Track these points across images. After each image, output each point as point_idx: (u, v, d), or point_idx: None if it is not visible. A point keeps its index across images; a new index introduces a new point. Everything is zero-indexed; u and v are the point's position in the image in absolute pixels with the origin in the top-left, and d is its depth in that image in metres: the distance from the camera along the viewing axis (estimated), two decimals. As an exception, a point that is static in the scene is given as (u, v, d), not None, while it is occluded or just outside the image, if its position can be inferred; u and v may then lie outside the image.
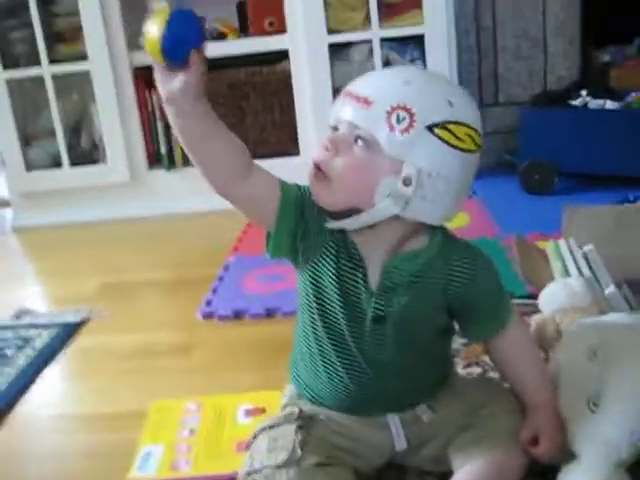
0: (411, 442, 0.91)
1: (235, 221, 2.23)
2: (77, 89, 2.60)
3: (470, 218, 2.03)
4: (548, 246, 1.51)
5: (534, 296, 1.38)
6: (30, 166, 2.57)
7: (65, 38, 2.50)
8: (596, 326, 1.01)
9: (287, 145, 2.49)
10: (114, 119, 2.47)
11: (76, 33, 2.44)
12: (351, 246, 0.85)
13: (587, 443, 0.83)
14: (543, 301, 1.25)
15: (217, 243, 2.09)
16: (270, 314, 1.55)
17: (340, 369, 0.89)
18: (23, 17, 2.46)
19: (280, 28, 2.39)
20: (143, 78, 2.48)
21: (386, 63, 2.37)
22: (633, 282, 1.38)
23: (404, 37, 2.37)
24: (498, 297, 0.91)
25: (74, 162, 2.55)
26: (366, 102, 0.78)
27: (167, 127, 2.53)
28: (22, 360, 1.48)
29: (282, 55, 2.42)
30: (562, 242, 1.46)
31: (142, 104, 2.50)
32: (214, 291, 1.71)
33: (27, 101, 2.64)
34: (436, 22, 2.30)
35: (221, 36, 2.49)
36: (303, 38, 2.35)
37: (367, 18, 2.34)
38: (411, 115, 0.76)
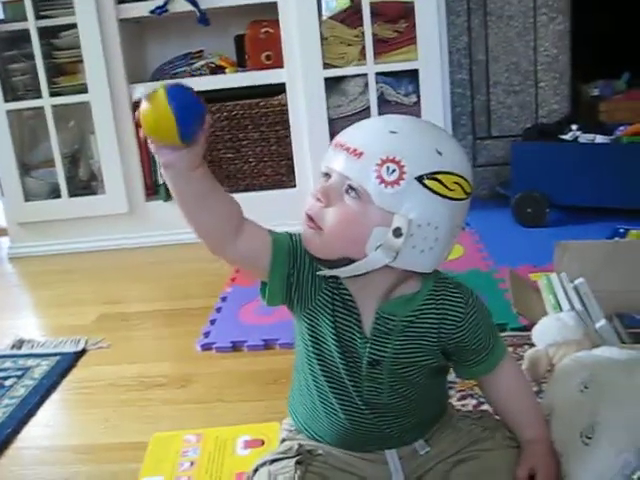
0: (409, 477, 0.92)
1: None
2: (76, 120, 2.65)
3: (464, 250, 2.06)
4: (540, 280, 1.54)
5: (527, 328, 1.41)
6: (28, 196, 2.60)
7: (66, 70, 2.54)
8: (588, 360, 1.03)
9: (283, 177, 2.53)
10: (113, 150, 2.50)
11: (77, 66, 2.49)
12: (344, 293, 0.86)
13: (580, 476, 0.85)
14: (536, 335, 1.28)
15: (214, 274, 2.11)
16: (268, 345, 1.57)
17: (338, 410, 0.90)
18: (24, 49, 2.51)
19: (277, 62, 2.44)
20: (142, 110, 2.51)
21: (380, 97, 2.42)
22: (624, 316, 1.42)
23: (398, 71, 2.42)
24: (489, 338, 0.91)
25: (72, 192, 2.58)
26: (356, 153, 0.79)
27: (165, 158, 2.57)
28: (21, 390, 1.49)
29: (279, 88, 2.46)
30: (554, 276, 1.49)
31: (140, 135, 2.53)
32: (212, 322, 1.73)
33: (26, 131, 2.68)
34: (430, 57, 2.36)
35: (219, 69, 2.53)
36: (300, 72, 2.40)
37: (362, 53, 2.39)
38: (401, 167, 0.77)
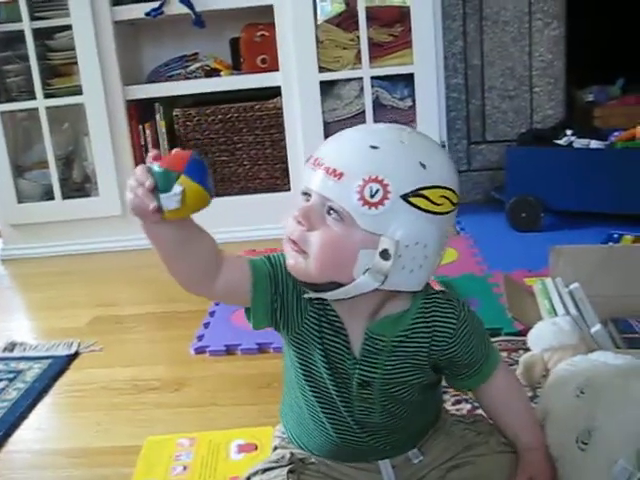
0: None
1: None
2: (71, 122, 2.64)
3: (458, 254, 2.06)
4: (535, 284, 1.54)
5: (522, 333, 1.41)
6: (22, 197, 2.59)
7: (60, 72, 2.53)
8: (583, 365, 1.03)
9: (278, 180, 2.52)
10: (107, 152, 2.49)
11: (71, 67, 2.48)
12: (331, 314, 0.84)
13: (578, 481, 0.85)
14: (531, 340, 1.27)
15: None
16: (262, 349, 1.57)
17: (329, 428, 0.88)
18: (19, 50, 2.50)
19: (272, 65, 2.44)
20: (136, 112, 2.51)
21: (376, 100, 2.42)
22: (619, 321, 1.42)
23: (394, 75, 2.42)
24: (482, 349, 0.89)
25: (66, 194, 2.57)
26: (336, 174, 0.74)
27: (159, 160, 2.56)
28: (13, 393, 1.48)
29: (274, 92, 2.46)
30: (549, 281, 1.49)
31: (134, 137, 2.53)
32: (206, 326, 1.72)
33: (20, 133, 2.67)
34: (425, 62, 2.36)
35: (214, 72, 2.53)
36: (295, 75, 2.39)
37: (358, 57, 2.39)
38: (384, 186, 0.73)
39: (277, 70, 2.42)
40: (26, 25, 2.42)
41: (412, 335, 0.84)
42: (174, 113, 2.52)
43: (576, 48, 2.58)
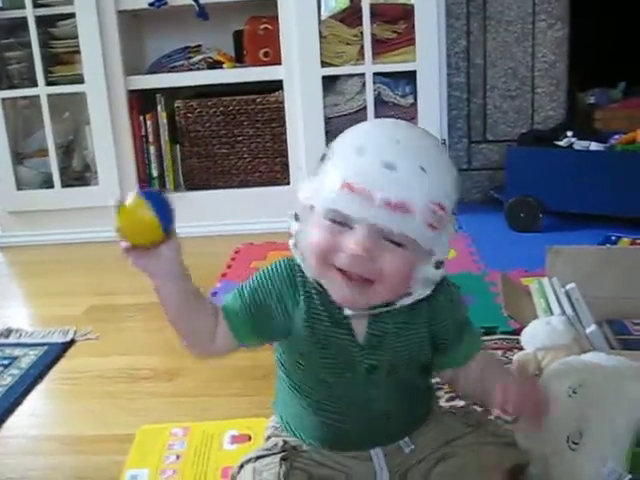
0: (393, 473, 0.92)
1: (224, 247, 2.27)
2: (71, 111, 2.63)
3: (456, 253, 2.06)
4: (532, 284, 1.54)
5: (517, 332, 1.41)
6: (21, 185, 2.59)
7: (62, 60, 2.53)
8: (577, 365, 1.04)
9: (278, 174, 2.52)
10: (107, 141, 2.49)
11: (73, 56, 2.48)
12: (334, 309, 0.84)
13: (566, 480, 0.86)
14: (525, 338, 1.28)
15: (205, 268, 2.09)
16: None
17: (327, 417, 0.90)
18: (22, 37, 2.50)
19: (275, 59, 2.44)
20: (137, 102, 2.51)
21: (377, 97, 2.42)
22: (614, 323, 1.42)
23: (396, 72, 2.42)
24: (468, 325, 0.93)
25: (65, 183, 2.57)
26: (401, 208, 0.75)
27: (159, 151, 2.57)
28: (8, 379, 1.48)
29: (276, 85, 2.46)
30: (545, 280, 1.49)
31: (135, 127, 2.53)
32: (202, 317, 1.72)
33: (21, 120, 2.67)
34: (428, 59, 2.36)
35: (217, 64, 2.53)
36: (297, 70, 2.39)
37: (361, 53, 2.39)
38: (444, 209, 0.77)
39: (280, 64, 2.43)
40: (29, 12, 2.42)
41: (415, 315, 0.87)
42: (175, 104, 2.52)
43: (579, 50, 2.58)
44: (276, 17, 2.40)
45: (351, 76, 2.43)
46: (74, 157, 2.66)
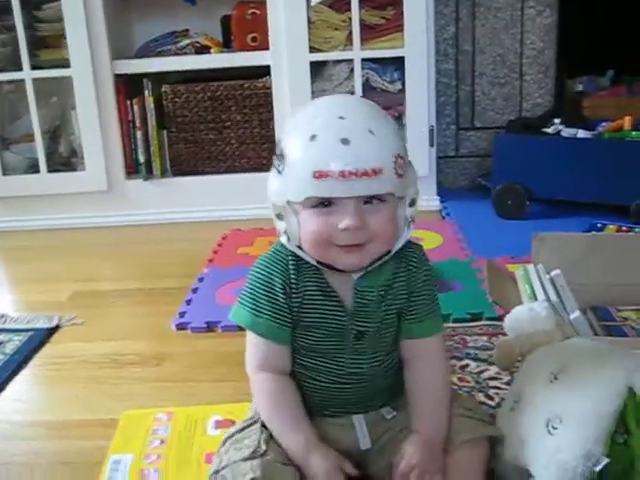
0: (375, 443, 0.94)
1: (210, 232, 2.27)
2: (58, 95, 2.61)
3: (443, 239, 2.07)
4: (517, 270, 1.55)
5: (502, 318, 1.42)
6: (6, 170, 2.57)
7: (48, 44, 2.50)
8: (559, 351, 1.04)
9: (265, 160, 2.51)
10: (93, 127, 2.47)
11: (59, 39, 2.45)
12: (323, 283, 0.91)
13: (544, 465, 0.86)
14: (508, 324, 1.29)
15: (192, 254, 2.11)
16: (242, 327, 1.56)
17: (308, 384, 0.94)
18: (6, 20, 2.46)
19: (263, 44, 2.42)
20: (124, 86, 2.49)
21: (366, 83, 2.41)
22: (598, 309, 1.43)
23: (384, 58, 2.41)
24: (436, 303, 0.96)
25: (52, 168, 2.55)
26: (376, 172, 0.82)
27: (146, 136, 2.55)
28: (-8, 365, 1.48)
29: (264, 71, 2.45)
30: (531, 267, 1.50)
31: (122, 113, 2.51)
32: (188, 302, 1.72)
33: (6, 105, 2.64)
34: (416, 46, 2.35)
35: (204, 49, 2.51)
36: (285, 55, 2.38)
37: (349, 38, 2.38)
38: (402, 157, 0.85)
39: (267, 49, 2.41)
40: (14, -6, 2.39)
41: (395, 282, 0.93)
42: (163, 89, 2.50)
43: (568, 37, 2.58)
44: (264, 2, 2.37)
45: (339, 62, 2.42)
46: (60, 142, 2.63)
